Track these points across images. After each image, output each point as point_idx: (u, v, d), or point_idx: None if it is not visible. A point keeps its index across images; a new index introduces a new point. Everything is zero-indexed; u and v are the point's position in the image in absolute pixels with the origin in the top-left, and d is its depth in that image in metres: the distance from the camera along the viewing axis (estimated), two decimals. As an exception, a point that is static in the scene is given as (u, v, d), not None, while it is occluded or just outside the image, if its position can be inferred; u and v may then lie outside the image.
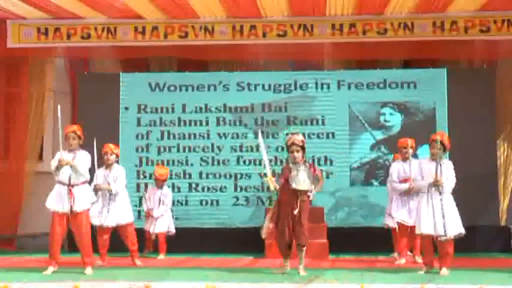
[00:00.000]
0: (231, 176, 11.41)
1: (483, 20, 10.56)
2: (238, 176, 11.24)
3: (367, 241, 10.42)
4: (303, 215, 7.70)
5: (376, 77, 11.50)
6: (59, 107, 8.12)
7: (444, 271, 7.79)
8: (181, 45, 11.23)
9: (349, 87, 11.51)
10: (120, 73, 11.92)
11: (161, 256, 10.01)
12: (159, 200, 10.22)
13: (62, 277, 7.32)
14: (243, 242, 10.65)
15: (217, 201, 11.42)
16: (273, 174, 8.21)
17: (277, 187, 7.82)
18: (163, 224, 10.18)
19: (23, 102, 11.90)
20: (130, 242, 9.12)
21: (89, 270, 7.83)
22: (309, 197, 7.79)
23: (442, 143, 7.92)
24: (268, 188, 8.57)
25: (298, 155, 7.71)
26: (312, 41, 11.00)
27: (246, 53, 11.50)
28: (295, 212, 7.62)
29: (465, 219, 10.85)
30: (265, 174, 8.23)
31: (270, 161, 9.80)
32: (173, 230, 10.24)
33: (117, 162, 9.36)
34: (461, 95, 11.27)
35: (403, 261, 8.98)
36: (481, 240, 10.80)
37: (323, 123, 11.52)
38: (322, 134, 11.48)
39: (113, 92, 11.68)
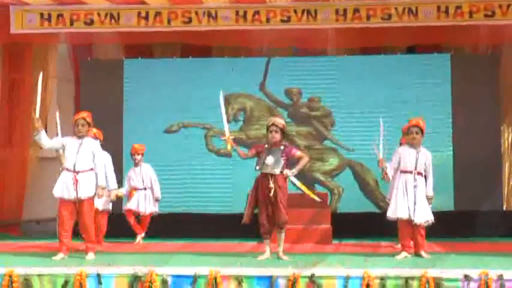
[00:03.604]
0: (234, 161, 11.43)
1: (488, 5, 10.46)
2: (242, 161, 11.16)
3: (371, 226, 10.44)
4: (279, 197, 7.68)
5: (380, 63, 11.50)
6: (55, 99, 8.26)
7: (423, 254, 7.88)
8: (184, 30, 11.19)
9: (353, 73, 11.51)
10: (124, 59, 11.93)
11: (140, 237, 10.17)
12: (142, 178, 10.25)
13: (66, 262, 7.35)
14: (245, 227, 10.64)
15: (220, 187, 11.44)
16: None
17: (235, 146, 7.94)
18: (152, 203, 10.26)
19: (26, 88, 11.88)
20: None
21: (90, 256, 7.86)
22: (285, 179, 7.78)
23: (420, 128, 7.97)
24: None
25: (276, 135, 7.74)
26: (316, 26, 10.92)
27: (250, 38, 11.45)
28: (271, 194, 7.65)
29: (469, 204, 11.01)
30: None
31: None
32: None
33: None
34: (466, 80, 11.27)
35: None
36: (485, 225, 10.82)
37: (328, 109, 11.57)
38: (325, 117, 11.54)
39: (117, 78, 11.70)
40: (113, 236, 9.72)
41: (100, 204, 8.85)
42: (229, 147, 7.92)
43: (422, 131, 8.01)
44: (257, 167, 7.79)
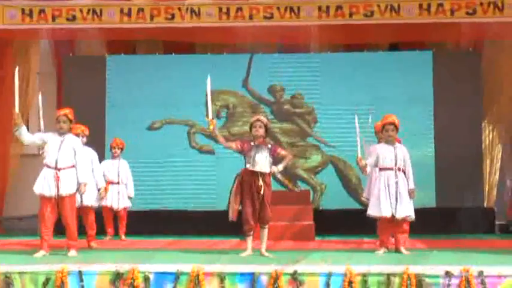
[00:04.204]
0: (217, 158, 11.43)
1: (469, 3, 10.51)
2: (226, 158, 11.21)
3: (354, 223, 10.45)
4: (266, 194, 7.70)
5: (362, 60, 11.54)
6: (39, 95, 8.18)
7: (404, 251, 7.93)
8: (167, 27, 11.13)
9: (335, 70, 11.54)
10: (106, 55, 11.88)
11: (124, 237, 10.20)
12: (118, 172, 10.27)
13: (48, 259, 7.29)
14: (229, 223, 10.65)
15: (203, 184, 11.43)
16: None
17: (217, 131, 7.81)
18: (126, 198, 10.29)
19: (7, 84, 11.77)
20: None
21: (72, 253, 7.80)
22: (269, 176, 7.80)
23: (395, 125, 8.04)
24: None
25: (260, 130, 7.71)
26: (299, 23, 10.92)
27: (233, 35, 11.43)
28: (261, 192, 7.64)
29: (450, 201, 11.09)
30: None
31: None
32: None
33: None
34: (447, 77, 11.35)
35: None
36: (466, 222, 10.91)
37: (311, 106, 11.59)
38: (308, 115, 11.56)
39: (99, 75, 11.66)
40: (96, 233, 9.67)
41: (92, 201, 8.85)
42: (211, 127, 7.78)
43: (397, 127, 8.07)
44: (248, 165, 7.72)
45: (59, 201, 7.77)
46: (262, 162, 7.67)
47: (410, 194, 8.05)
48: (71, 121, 7.94)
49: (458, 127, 11.22)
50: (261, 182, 7.67)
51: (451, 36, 11.38)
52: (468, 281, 6.19)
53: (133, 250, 8.58)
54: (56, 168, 7.74)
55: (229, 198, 7.92)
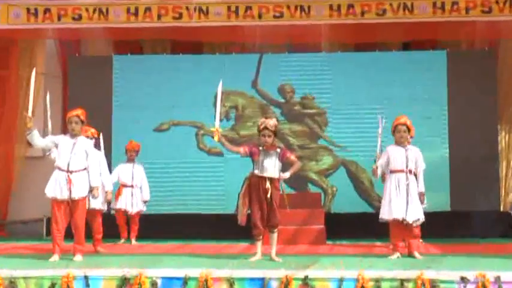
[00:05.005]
0: (225, 161, 11.28)
1: (485, 1, 10.36)
2: (234, 160, 11.02)
3: (365, 226, 10.29)
4: (274, 198, 7.61)
5: (375, 60, 11.38)
6: (47, 95, 8.13)
7: (417, 255, 7.79)
8: (175, 26, 11.00)
9: (347, 70, 11.38)
10: (113, 55, 11.78)
11: (135, 241, 10.09)
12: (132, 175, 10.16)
13: (54, 264, 7.21)
14: (238, 227, 10.48)
15: (211, 187, 11.29)
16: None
17: (222, 139, 7.63)
18: (139, 202, 10.16)
19: (12, 85, 11.76)
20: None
21: (78, 257, 7.69)
22: (278, 180, 7.68)
23: (407, 126, 7.93)
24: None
25: (269, 139, 7.60)
26: (309, 22, 10.78)
27: (242, 34, 11.31)
28: (269, 195, 7.54)
29: (465, 204, 10.90)
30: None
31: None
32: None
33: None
34: (462, 77, 11.23)
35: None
36: (481, 226, 10.73)
37: (322, 107, 11.42)
38: (319, 116, 11.38)
39: (105, 75, 11.58)
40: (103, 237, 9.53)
41: (98, 204, 8.68)
42: (216, 138, 7.63)
43: (409, 128, 7.95)
44: (256, 171, 7.62)
45: (71, 205, 7.68)
46: (270, 167, 7.59)
47: (420, 197, 7.89)
48: (82, 122, 7.84)
49: (474, 128, 11.07)
50: (268, 185, 7.56)
51: (466, 35, 11.25)
52: (485, 287, 6.10)
53: (141, 254, 8.49)
54: (67, 171, 7.65)
55: (238, 202, 7.80)
